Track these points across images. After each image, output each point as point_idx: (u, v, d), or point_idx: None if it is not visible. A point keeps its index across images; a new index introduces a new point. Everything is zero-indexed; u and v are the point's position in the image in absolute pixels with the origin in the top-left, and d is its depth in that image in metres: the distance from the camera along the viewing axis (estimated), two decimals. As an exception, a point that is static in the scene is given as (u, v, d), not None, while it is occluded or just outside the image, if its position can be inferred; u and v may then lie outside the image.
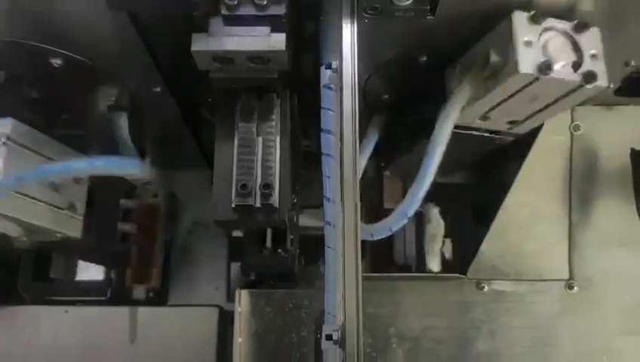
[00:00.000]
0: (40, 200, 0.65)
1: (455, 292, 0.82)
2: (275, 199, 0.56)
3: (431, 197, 0.99)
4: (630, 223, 0.80)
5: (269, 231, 0.74)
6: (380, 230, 0.70)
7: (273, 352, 0.82)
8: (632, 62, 0.73)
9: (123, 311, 0.87)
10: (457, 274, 0.81)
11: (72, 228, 0.70)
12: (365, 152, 0.80)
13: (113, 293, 0.93)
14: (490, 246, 0.82)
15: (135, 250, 0.92)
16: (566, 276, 0.82)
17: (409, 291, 0.81)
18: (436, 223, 0.94)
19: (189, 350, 0.86)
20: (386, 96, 0.78)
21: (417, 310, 0.81)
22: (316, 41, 0.63)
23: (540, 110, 0.65)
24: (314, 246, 0.85)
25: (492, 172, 0.90)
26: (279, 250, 0.76)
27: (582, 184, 0.82)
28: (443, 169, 0.81)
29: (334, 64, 0.57)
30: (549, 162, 0.82)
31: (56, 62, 0.68)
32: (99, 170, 0.63)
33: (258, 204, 0.56)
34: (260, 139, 0.59)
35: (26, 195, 0.63)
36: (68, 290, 0.93)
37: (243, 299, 0.82)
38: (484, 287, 0.81)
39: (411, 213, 0.68)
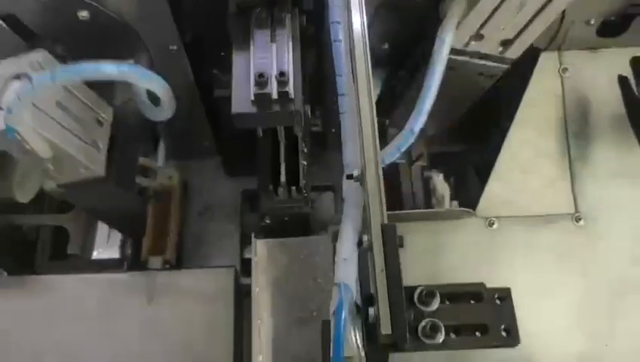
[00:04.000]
0: (67, 128, 0.69)
1: (466, 230, 0.84)
2: (290, 88, 0.60)
3: (435, 164, 1.05)
4: (627, 154, 0.84)
5: (282, 167, 0.78)
6: (390, 153, 0.71)
7: (290, 299, 0.83)
8: (592, 21, 0.80)
9: (140, 275, 0.88)
10: (467, 209, 0.83)
11: (97, 163, 0.73)
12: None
13: (130, 268, 0.95)
14: (495, 186, 0.85)
15: (151, 224, 0.94)
16: (572, 210, 0.84)
17: (419, 230, 0.83)
18: (441, 188, 0.98)
19: (207, 310, 0.86)
20: (386, 46, 0.83)
21: (428, 249, 0.83)
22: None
23: (528, 23, 0.70)
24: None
25: (489, 137, 0.95)
26: (292, 187, 0.79)
27: (577, 122, 0.86)
28: (441, 125, 0.86)
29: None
30: (543, 104, 0.87)
31: (83, 14, 0.74)
32: (125, 74, 0.67)
33: (275, 95, 0.60)
34: (274, 45, 0.64)
35: (54, 119, 0.67)
36: (84, 268, 0.94)
37: (259, 248, 0.84)
38: (494, 224, 0.84)
39: (417, 129, 0.70)
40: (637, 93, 0.78)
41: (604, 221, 0.84)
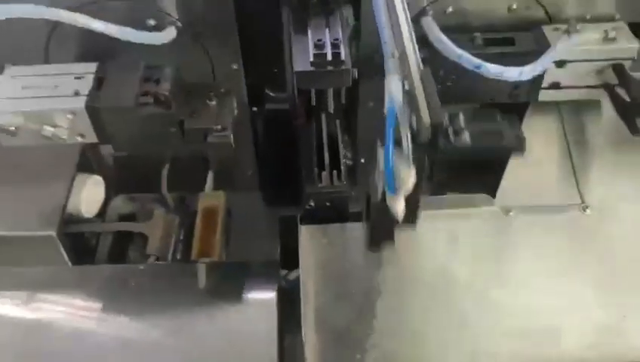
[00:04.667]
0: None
1: (485, 217, 0.94)
2: (342, 51, 0.76)
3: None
4: (622, 152, 0.97)
5: (326, 155, 0.91)
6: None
7: (331, 278, 0.91)
8: (617, 16, 0.94)
9: (189, 266, 0.98)
10: (486, 194, 0.95)
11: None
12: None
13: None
14: (509, 182, 0.97)
15: (200, 230, 1.04)
16: (579, 201, 0.96)
17: (440, 217, 0.94)
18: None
19: (251, 296, 0.93)
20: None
21: (451, 233, 0.93)
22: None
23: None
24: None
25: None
26: (334, 172, 0.92)
27: (574, 128, 1.01)
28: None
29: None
30: (543, 118, 1.02)
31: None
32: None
33: (330, 57, 0.76)
34: (327, 28, 0.80)
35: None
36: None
37: (303, 234, 0.95)
38: (510, 212, 0.95)
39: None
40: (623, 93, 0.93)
41: (609, 210, 0.95)
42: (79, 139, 0.83)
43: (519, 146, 0.63)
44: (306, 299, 0.89)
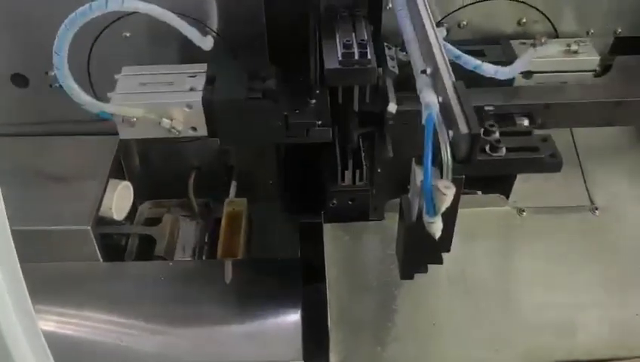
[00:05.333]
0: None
1: (500, 217, 0.99)
2: (368, 50, 0.82)
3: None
4: (626, 158, 1.03)
5: (349, 155, 0.97)
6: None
7: (353, 272, 0.95)
8: (619, 30, 1.00)
9: (215, 263, 1.03)
10: (500, 195, 1.00)
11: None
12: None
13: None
14: (522, 184, 1.02)
15: (224, 233, 1.09)
16: (588, 203, 1.01)
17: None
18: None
19: (277, 293, 0.96)
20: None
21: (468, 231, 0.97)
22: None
23: None
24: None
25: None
26: (356, 172, 0.97)
27: (582, 139, 1.07)
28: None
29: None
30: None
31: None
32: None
33: (357, 56, 0.82)
34: (354, 34, 0.87)
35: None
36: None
37: (327, 231, 0.99)
38: (523, 212, 0.99)
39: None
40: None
41: (616, 211, 1.00)
42: (191, 131, 0.88)
43: (556, 163, 0.64)
44: (330, 293, 0.93)
